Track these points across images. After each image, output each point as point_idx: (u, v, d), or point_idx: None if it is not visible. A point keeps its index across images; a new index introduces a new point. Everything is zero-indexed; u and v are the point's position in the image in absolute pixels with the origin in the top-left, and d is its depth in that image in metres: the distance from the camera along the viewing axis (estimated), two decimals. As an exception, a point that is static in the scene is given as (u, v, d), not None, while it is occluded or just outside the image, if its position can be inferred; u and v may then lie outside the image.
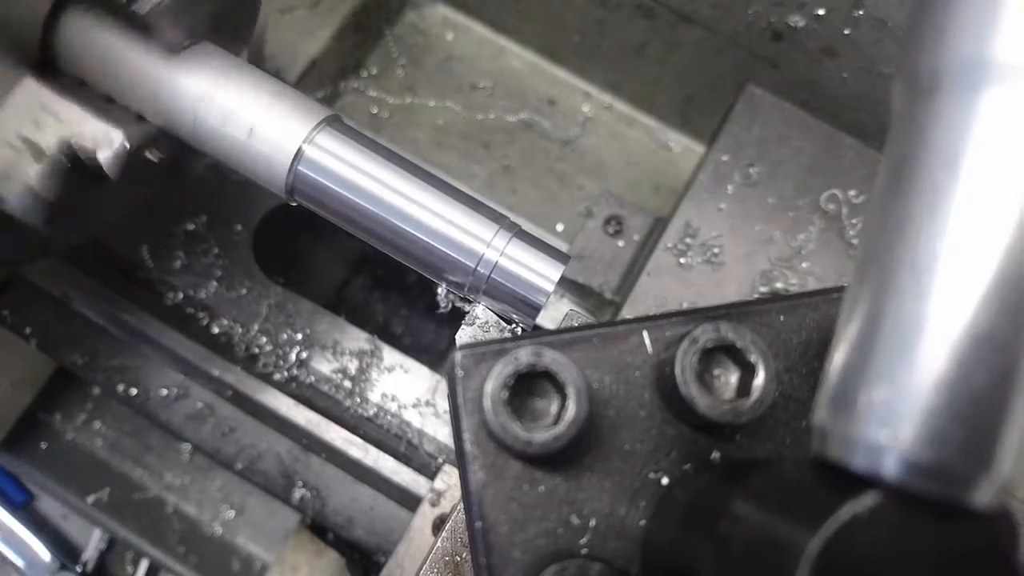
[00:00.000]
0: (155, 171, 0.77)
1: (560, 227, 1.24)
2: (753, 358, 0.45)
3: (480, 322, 0.68)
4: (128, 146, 0.67)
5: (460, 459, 0.47)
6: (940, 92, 0.31)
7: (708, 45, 1.13)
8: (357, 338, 1.04)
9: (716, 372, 0.46)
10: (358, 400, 1.01)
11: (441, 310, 0.74)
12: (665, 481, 0.47)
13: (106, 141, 0.66)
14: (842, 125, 1.03)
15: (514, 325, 0.69)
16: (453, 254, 0.66)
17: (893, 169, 0.32)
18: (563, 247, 1.03)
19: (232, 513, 1.30)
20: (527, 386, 0.45)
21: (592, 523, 0.46)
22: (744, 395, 0.45)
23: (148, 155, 0.73)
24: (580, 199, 1.26)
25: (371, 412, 1.01)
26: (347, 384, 1.01)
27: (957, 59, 0.30)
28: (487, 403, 0.43)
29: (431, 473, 1.03)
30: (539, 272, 0.66)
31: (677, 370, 0.44)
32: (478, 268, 0.66)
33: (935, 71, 0.31)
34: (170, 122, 0.68)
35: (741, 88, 1.05)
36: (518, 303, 0.66)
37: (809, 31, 1.02)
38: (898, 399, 0.30)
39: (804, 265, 0.96)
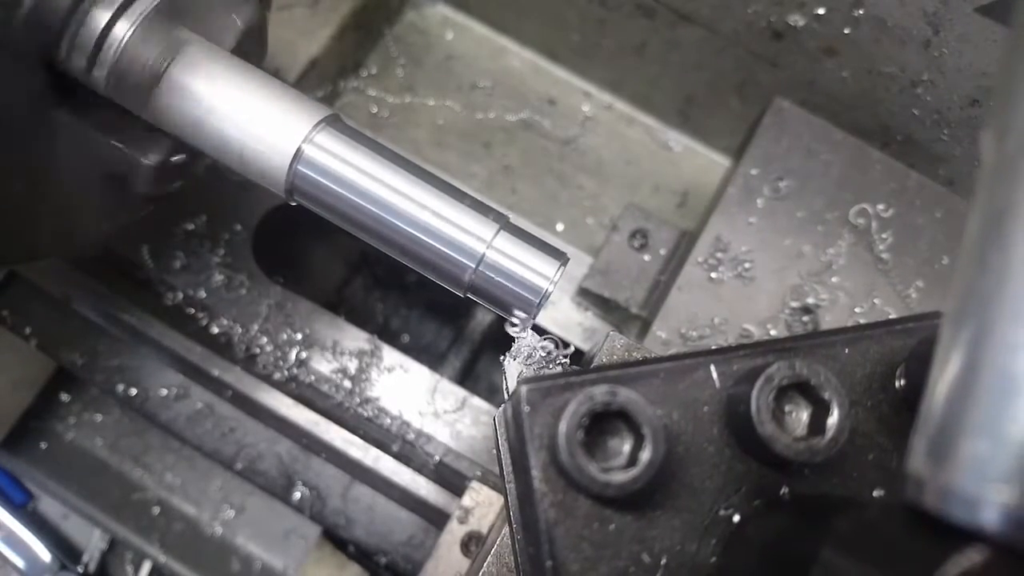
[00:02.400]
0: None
1: (560, 227, 1.24)
2: (827, 395, 0.44)
3: (526, 348, 0.65)
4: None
5: (527, 495, 0.46)
6: None
7: (708, 45, 1.13)
8: (357, 338, 1.04)
9: (787, 408, 0.45)
10: (358, 400, 1.01)
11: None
12: (736, 518, 0.46)
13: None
14: (841, 124, 1.03)
15: (559, 351, 0.66)
16: (453, 253, 0.66)
17: (992, 219, 0.32)
18: (564, 247, 1.02)
19: (232, 513, 1.30)
20: (598, 424, 0.44)
21: (663, 561, 0.45)
22: (817, 432, 0.44)
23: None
24: (580, 199, 1.26)
25: (371, 412, 1.01)
26: (347, 384, 1.01)
27: None
28: (561, 442, 0.43)
29: (430, 473, 1.03)
30: (539, 271, 0.66)
31: (753, 409, 0.44)
32: (478, 267, 0.65)
33: None
34: (168, 122, 0.68)
35: (768, 100, 1.04)
36: (517, 302, 0.66)
37: (809, 30, 1.02)
38: (1001, 453, 0.29)
39: (834, 280, 0.96)
